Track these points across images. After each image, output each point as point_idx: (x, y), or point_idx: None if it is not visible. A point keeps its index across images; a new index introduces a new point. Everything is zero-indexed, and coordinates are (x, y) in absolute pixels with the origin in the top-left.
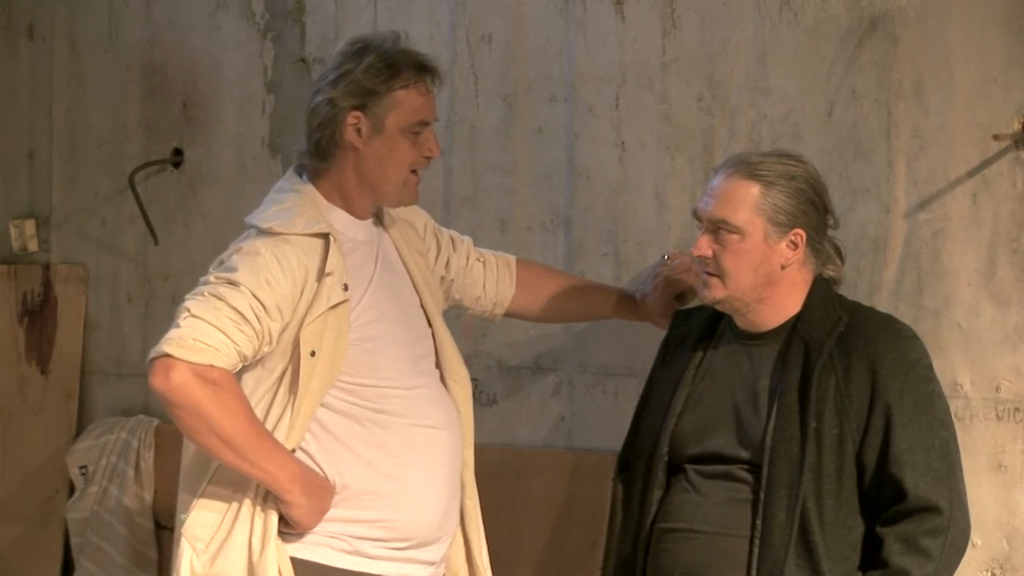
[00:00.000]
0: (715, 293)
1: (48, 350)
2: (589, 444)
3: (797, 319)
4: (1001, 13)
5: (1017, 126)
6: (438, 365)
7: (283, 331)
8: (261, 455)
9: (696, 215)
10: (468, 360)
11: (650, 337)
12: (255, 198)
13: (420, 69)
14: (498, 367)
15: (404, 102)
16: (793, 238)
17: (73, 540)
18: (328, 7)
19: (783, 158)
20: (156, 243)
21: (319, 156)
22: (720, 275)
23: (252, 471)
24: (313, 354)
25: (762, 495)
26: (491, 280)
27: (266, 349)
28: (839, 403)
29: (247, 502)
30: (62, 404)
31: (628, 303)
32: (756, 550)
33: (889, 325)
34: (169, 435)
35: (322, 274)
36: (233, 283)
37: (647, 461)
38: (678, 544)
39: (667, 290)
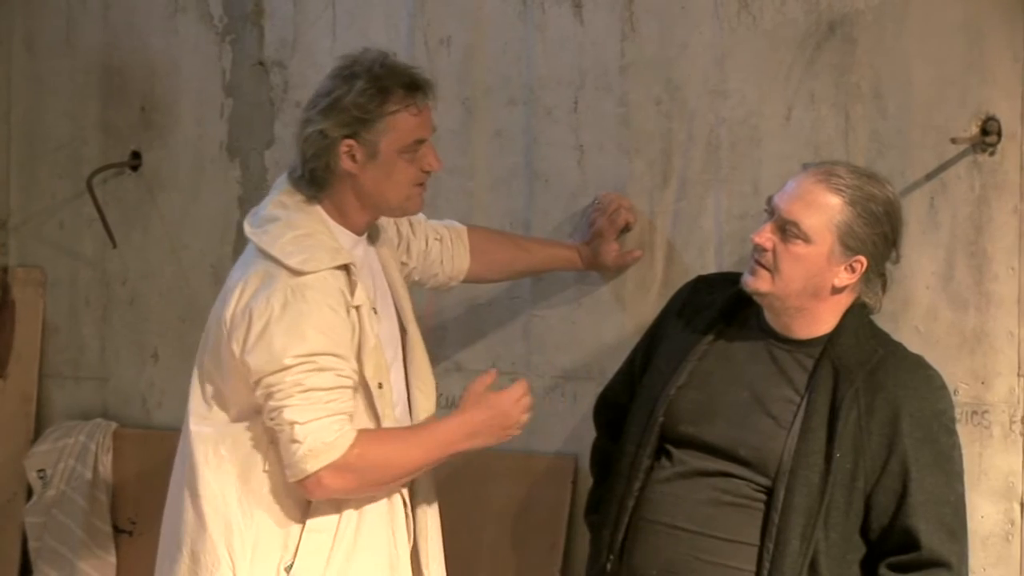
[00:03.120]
0: (760, 285)
1: (5, 354)
2: (547, 448)
3: (830, 340)
4: (958, 17)
5: (974, 129)
6: (406, 371)
7: None
8: (434, 452)
9: (769, 205)
10: None
11: (608, 341)
12: (213, 201)
13: (410, 88)
14: (457, 369)
15: (397, 125)
16: (854, 264)
17: (31, 544)
18: (286, 10)
19: (873, 180)
20: (114, 246)
21: (316, 185)
22: (772, 270)
23: (437, 464)
24: (381, 386)
25: (776, 517)
26: (447, 255)
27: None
28: (857, 437)
29: (351, 539)
30: (20, 407)
31: (573, 254)
32: (766, 573)
33: (921, 370)
34: (127, 439)
35: (351, 306)
36: (312, 361)
37: (643, 425)
38: (659, 538)
39: (609, 233)
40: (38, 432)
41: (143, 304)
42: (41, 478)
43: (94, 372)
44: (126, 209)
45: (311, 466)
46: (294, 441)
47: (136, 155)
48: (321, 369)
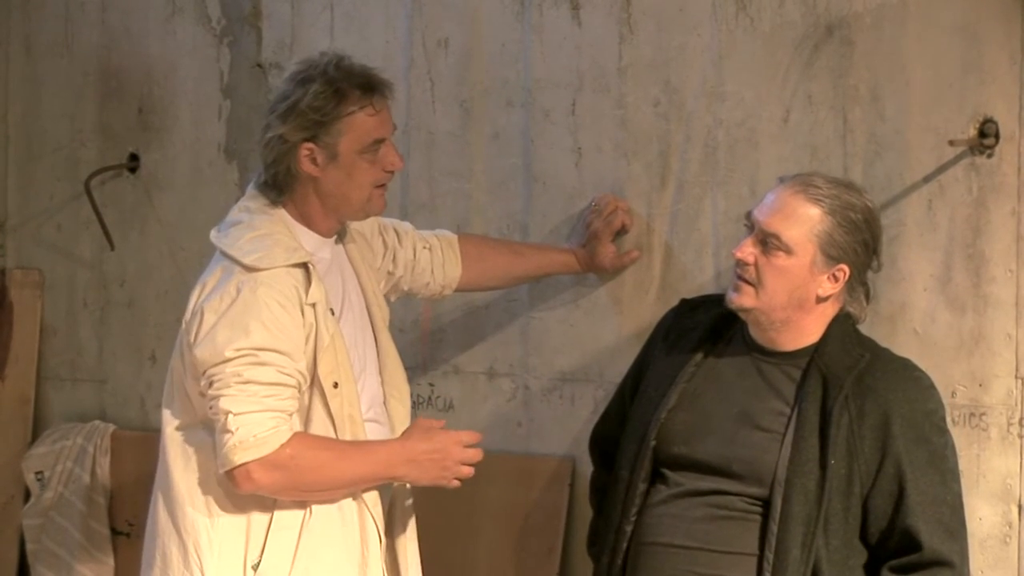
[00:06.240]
0: (744, 301)
1: (3, 355)
2: (545, 449)
3: (816, 350)
4: (956, 19)
5: (972, 132)
6: (380, 380)
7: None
8: (368, 469)
9: (749, 219)
10: (424, 365)
11: (606, 343)
12: (211, 203)
13: (367, 89)
14: (455, 372)
15: (355, 126)
16: (837, 272)
17: (29, 546)
18: (284, 12)
19: (850, 189)
20: (112, 248)
21: (278, 189)
22: (755, 285)
23: (372, 484)
24: (336, 385)
25: (774, 527)
26: (438, 264)
27: (305, 387)
28: (850, 443)
29: (318, 534)
30: (18, 410)
31: (569, 258)
32: None
33: (908, 372)
34: (125, 441)
35: (305, 304)
36: (253, 355)
37: (635, 450)
38: (657, 558)
39: (605, 235)
40: (36, 434)
41: (141, 306)
42: (39, 480)
43: (92, 374)
44: (124, 211)
45: (238, 458)
46: (226, 431)
47: (134, 157)
48: (262, 364)
